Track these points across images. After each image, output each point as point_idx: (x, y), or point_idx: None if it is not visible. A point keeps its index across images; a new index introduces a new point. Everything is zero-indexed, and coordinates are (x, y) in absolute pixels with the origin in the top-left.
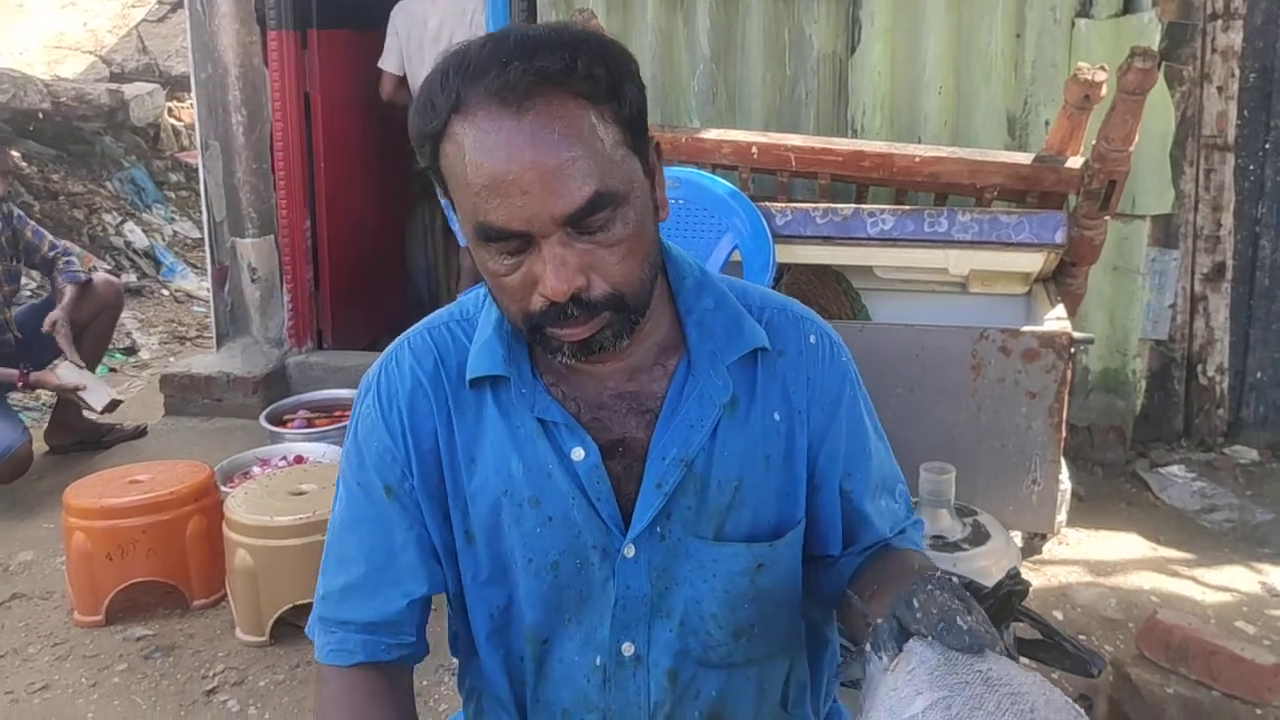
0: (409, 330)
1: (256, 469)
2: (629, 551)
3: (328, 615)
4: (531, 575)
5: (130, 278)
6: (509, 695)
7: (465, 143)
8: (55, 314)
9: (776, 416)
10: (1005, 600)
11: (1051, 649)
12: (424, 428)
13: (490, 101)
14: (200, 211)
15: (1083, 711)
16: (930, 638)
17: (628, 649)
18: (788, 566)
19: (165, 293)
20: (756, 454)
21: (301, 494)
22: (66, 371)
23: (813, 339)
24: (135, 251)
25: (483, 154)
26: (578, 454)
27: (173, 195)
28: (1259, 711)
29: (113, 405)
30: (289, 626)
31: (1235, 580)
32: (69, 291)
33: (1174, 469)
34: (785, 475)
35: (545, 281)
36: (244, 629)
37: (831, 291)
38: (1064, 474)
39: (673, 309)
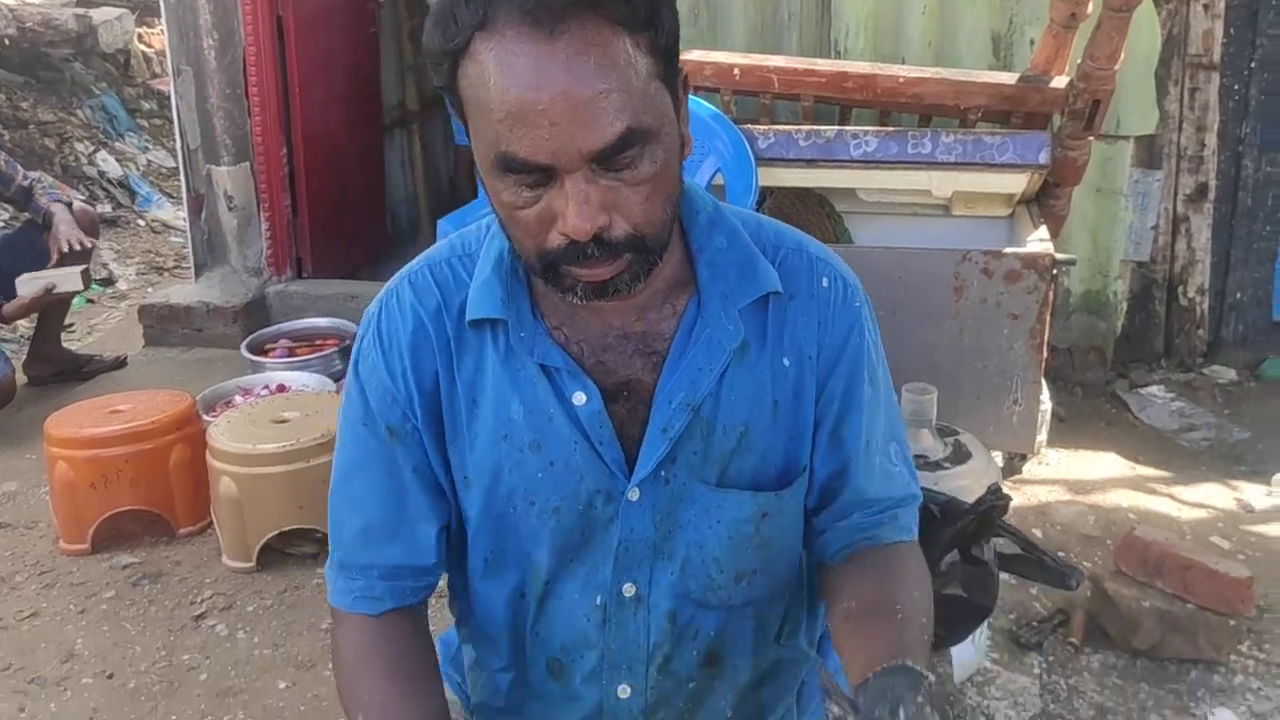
0: (410, 265)
1: (238, 398)
2: (633, 495)
3: (348, 560)
4: (533, 518)
5: (105, 208)
6: (501, 632)
7: (490, 65)
8: (64, 232)
9: (786, 362)
10: (986, 516)
11: (1031, 563)
12: (426, 369)
13: (521, 21)
14: (174, 139)
15: None
16: None
17: (629, 589)
18: (793, 516)
19: (141, 223)
20: (764, 400)
21: (284, 422)
22: (26, 286)
23: (825, 282)
24: (109, 181)
25: (509, 79)
26: (579, 398)
27: (145, 124)
28: (1231, 623)
29: (87, 276)
30: (275, 553)
31: (1211, 497)
32: (59, 209)
33: (1153, 389)
34: (793, 421)
35: (567, 219)
36: (230, 556)
37: (814, 215)
38: (1044, 395)
39: (683, 246)
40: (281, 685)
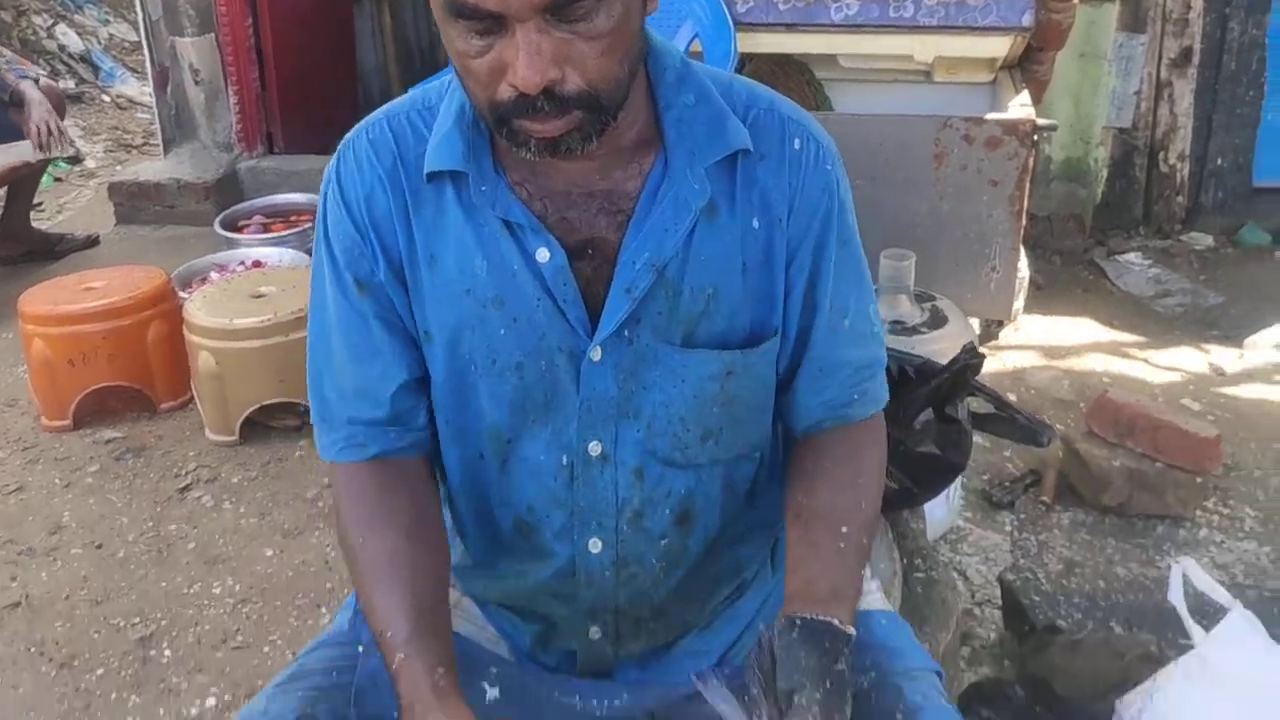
0: (369, 117)
1: (214, 275)
2: (595, 355)
3: (330, 414)
4: (495, 376)
5: (68, 84)
6: (466, 494)
7: None
8: (38, 115)
9: (755, 223)
10: (960, 374)
11: (1004, 422)
12: (384, 224)
13: None
14: (135, 11)
15: None
16: None
17: (595, 448)
18: (760, 375)
19: (106, 99)
20: (734, 261)
21: (261, 297)
22: (3, 155)
23: (797, 143)
24: (70, 56)
25: None
26: (542, 255)
27: None
28: (1199, 480)
29: (45, 134)
30: (258, 426)
31: (1184, 361)
32: (29, 87)
33: (1131, 256)
34: (762, 284)
35: (516, 70)
36: (213, 429)
37: (794, 82)
38: (1023, 262)
39: (650, 103)
40: (269, 553)
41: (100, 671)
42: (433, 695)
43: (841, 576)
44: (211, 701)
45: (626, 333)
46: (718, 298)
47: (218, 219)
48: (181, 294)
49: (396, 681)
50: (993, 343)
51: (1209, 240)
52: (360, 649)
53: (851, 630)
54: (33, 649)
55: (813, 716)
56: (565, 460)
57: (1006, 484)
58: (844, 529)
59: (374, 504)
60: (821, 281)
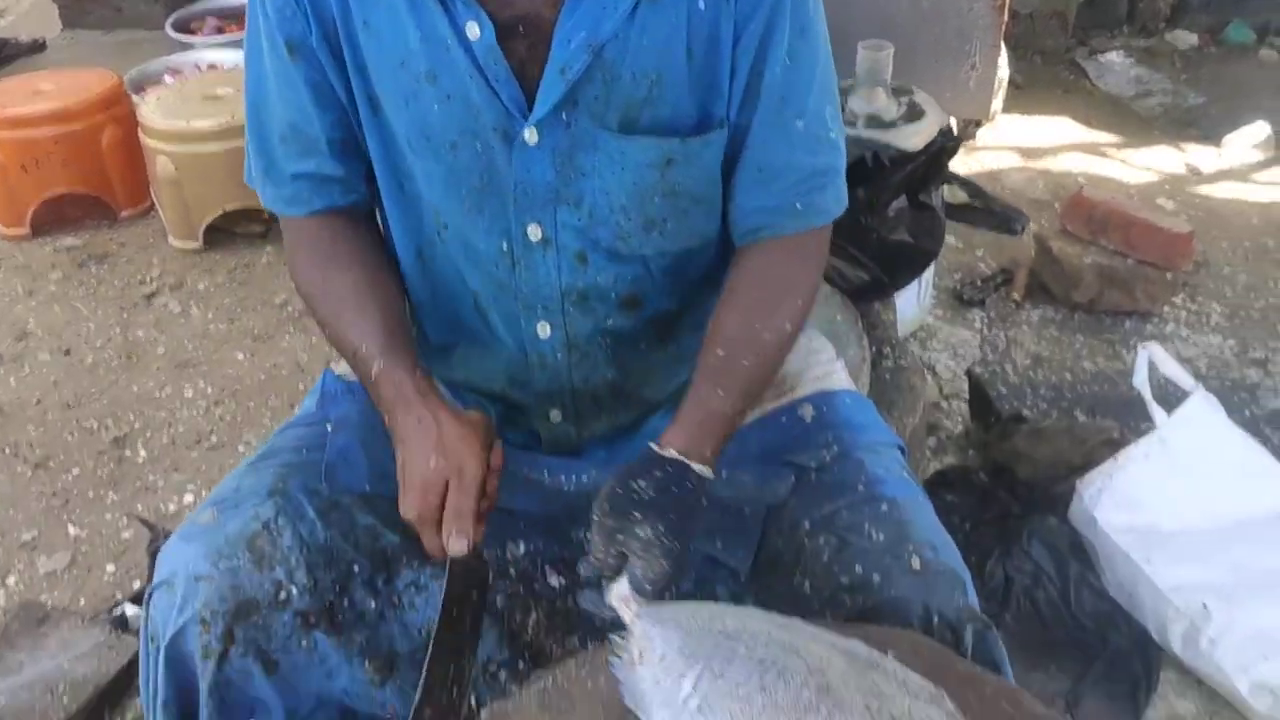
0: None
1: (168, 78)
2: (530, 137)
3: (270, 168)
4: (430, 155)
5: None
6: (415, 278)
7: None
8: None
9: (701, 4)
10: (936, 158)
11: (977, 211)
12: None
13: None
14: None
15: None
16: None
17: (534, 232)
18: (705, 165)
19: None
20: (678, 46)
21: (218, 98)
22: None
23: None
24: None
25: None
26: (472, 31)
27: None
28: (1168, 276)
29: None
30: (222, 233)
31: (1161, 161)
32: None
33: (1113, 55)
34: (708, 69)
35: None
36: (176, 236)
37: None
38: (1003, 60)
39: None
40: (239, 356)
41: (76, 471)
42: (415, 393)
43: (713, 407)
44: (189, 498)
45: (564, 116)
46: (662, 83)
47: (169, 21)
48: (135, 97)
49: (377, 389)
50: (970, 143)
51: (1193, 39)
52: (329, 427)
53: (692, 463)
54: (7, 450)
55: (588, 532)
56: (505, 246)
57: (977, 283)
58: (741, 357)
59: (329, 249)
60: (768, 71)
